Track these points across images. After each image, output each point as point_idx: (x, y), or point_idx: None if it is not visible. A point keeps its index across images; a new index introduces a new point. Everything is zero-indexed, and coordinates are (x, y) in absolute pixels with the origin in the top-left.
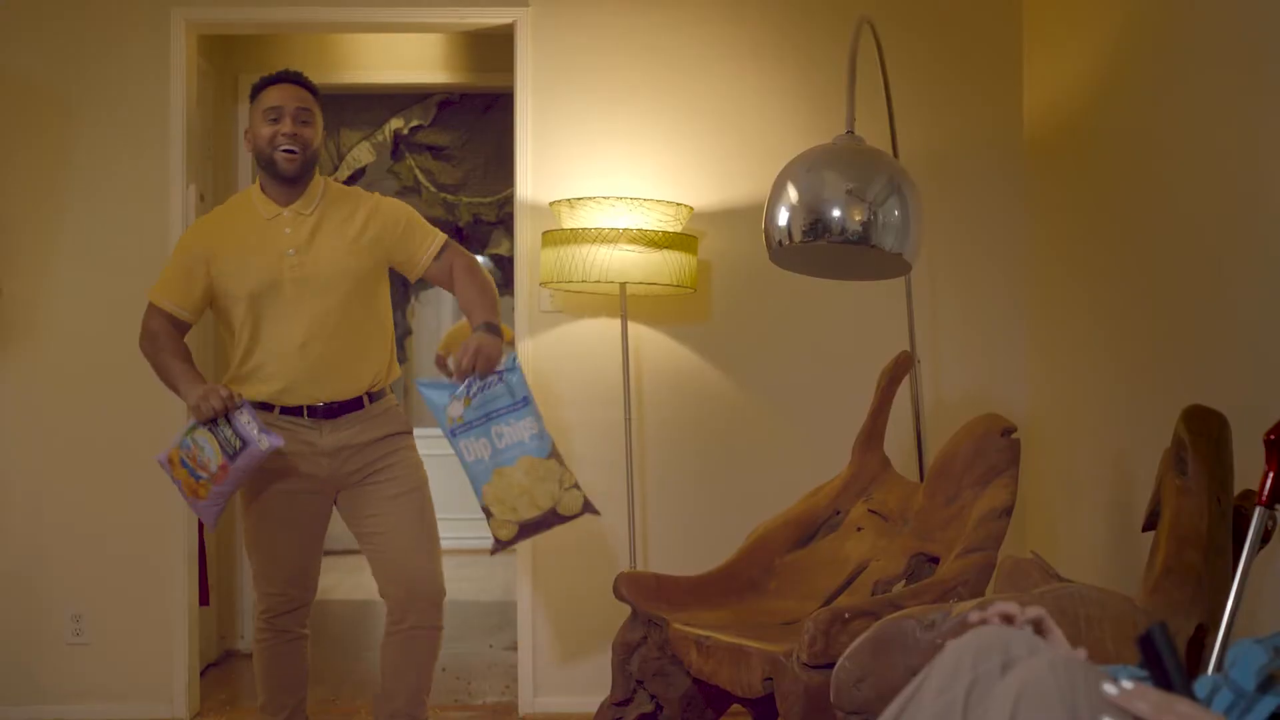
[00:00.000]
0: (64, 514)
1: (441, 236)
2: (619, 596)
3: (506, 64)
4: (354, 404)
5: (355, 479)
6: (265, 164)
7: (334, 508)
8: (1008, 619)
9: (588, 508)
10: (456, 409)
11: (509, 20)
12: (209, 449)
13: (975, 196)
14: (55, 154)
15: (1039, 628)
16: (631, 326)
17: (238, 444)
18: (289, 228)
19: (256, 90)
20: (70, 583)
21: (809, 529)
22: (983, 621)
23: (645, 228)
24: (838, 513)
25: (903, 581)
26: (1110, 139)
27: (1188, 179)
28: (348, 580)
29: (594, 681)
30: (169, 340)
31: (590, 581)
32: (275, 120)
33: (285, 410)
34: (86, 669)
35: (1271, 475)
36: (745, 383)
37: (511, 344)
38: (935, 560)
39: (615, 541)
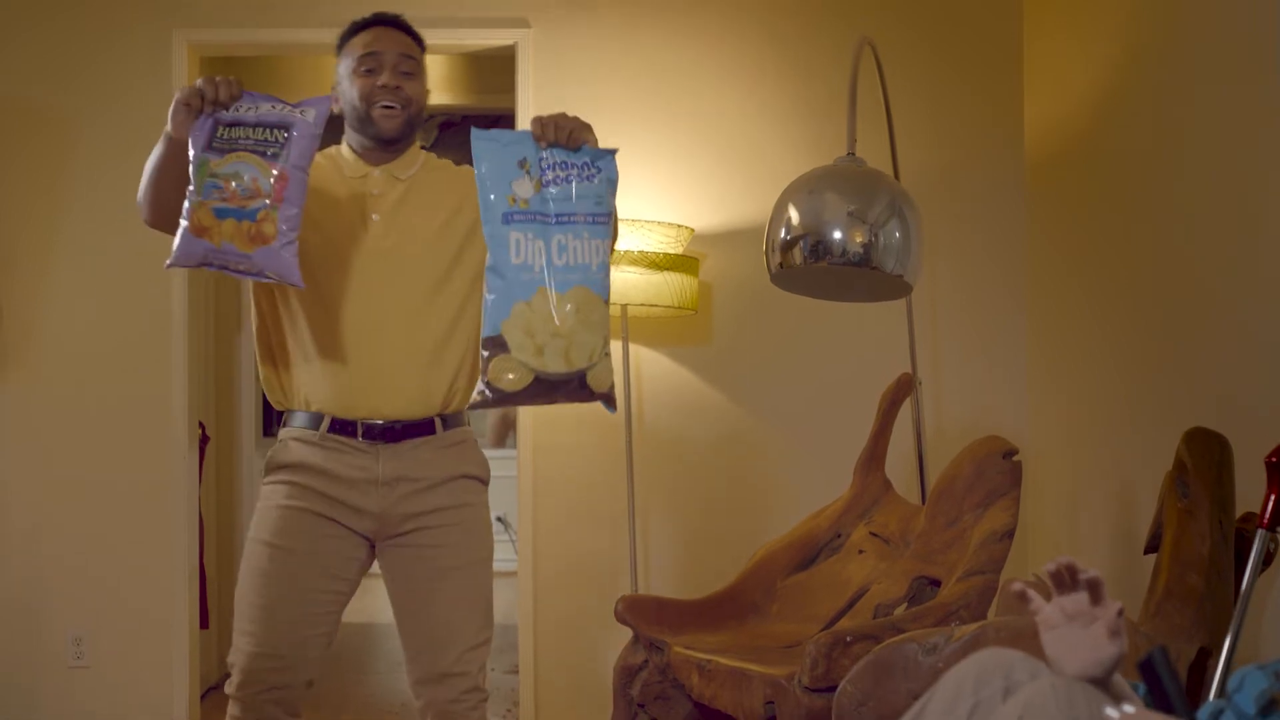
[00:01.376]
0: (64, 536)
1: None
2: (620, 619)
3: (508, 85)
4: (423, 426)
5: (408, 528)
6: (359, 124)
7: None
8: (1071, 571)
9: (609, 398)
10: (525, 188)
11: (510, 41)
12: (245, 167)
13: (977, 217)
14: (57, 175)
15: (1095, 593)
16: (632, 348)
17: (279, 134)
18: (378, 189)
19: (346, 38)
20: (71, 606)
21: (810, 551)
22: (1055, 572)
23: (646, 249)
24: (839, 535)
25: (904, 604)
26: (1111, 160)
27: (1189, 201)
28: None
29: (595, 705)
30: None
31: (591, 604)
32: (371, 71)
33: (335, 426)
34: (87, 692)
35: (1273, 498)
36: (746, 404)
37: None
38: (937, 583)
39: (616, 564)
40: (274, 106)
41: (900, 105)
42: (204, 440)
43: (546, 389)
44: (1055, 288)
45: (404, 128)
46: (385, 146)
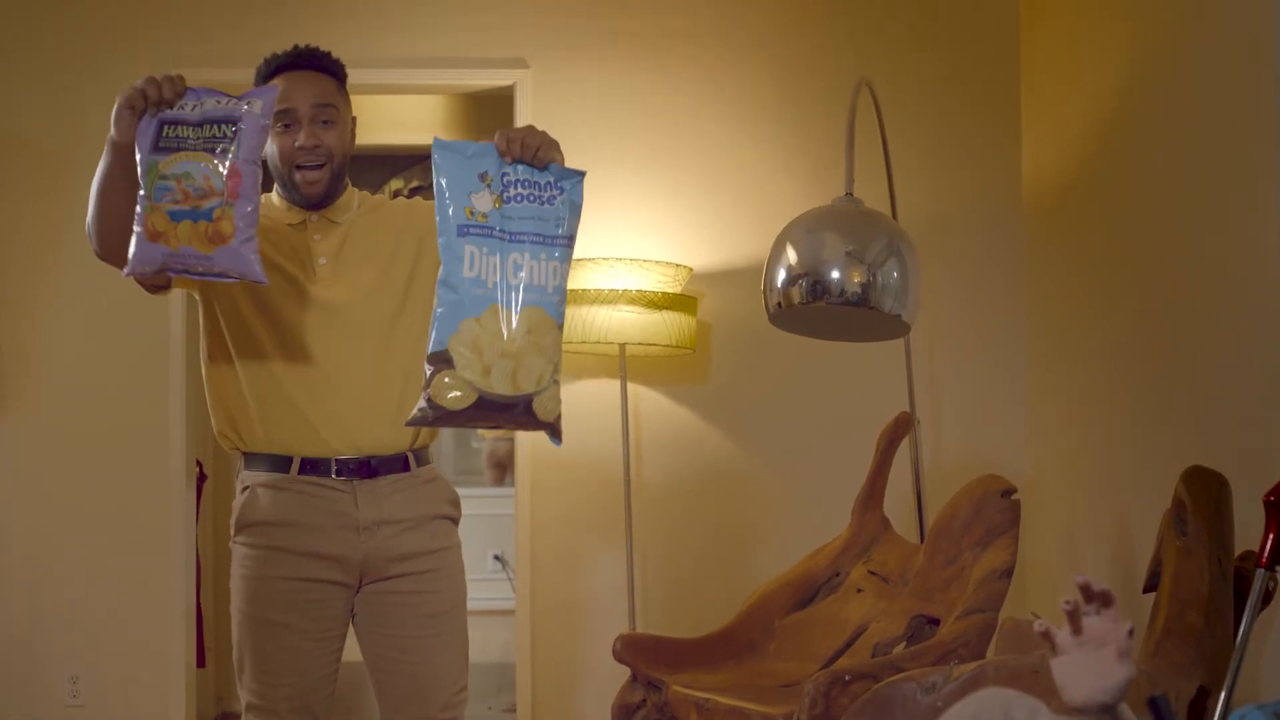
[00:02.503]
0: (61, 574)
1: None
2: (618, 658)
3: (506, 125)
4: (397, 463)
5: (392, 572)
6: (280, 183)
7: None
8: (1085, 589)
9: (554, 429)
10: (485, 202)
11: (509, 82)
12: (195, 167)
13: (974, 257)
14: (55, 214)
15: (1105, 601)
16: (631, 387)
17: (228, 129)
18: (318, 235)
19: (261, 80)
20: (68, 644)
21: (809, 590)
22: (1071, 611)
23: (644, 288)
24: (837, 574)
25: (903, 643)
26: (1108, 201)
27: (1186, 239)
28: None
29: None
30: None
31: (589, 643)
32: (287, 127)
33: (307, 465)
34: None
35: (1272, 537)
36: (744, 443)
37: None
38: (935, 622)
39: (614, 603)
40: (219, 101)
41: (898, 145)
42: (201, 478)
43: (491, 410)
44: (1054, 326)
45: (328, 187)
46: (312, 207)
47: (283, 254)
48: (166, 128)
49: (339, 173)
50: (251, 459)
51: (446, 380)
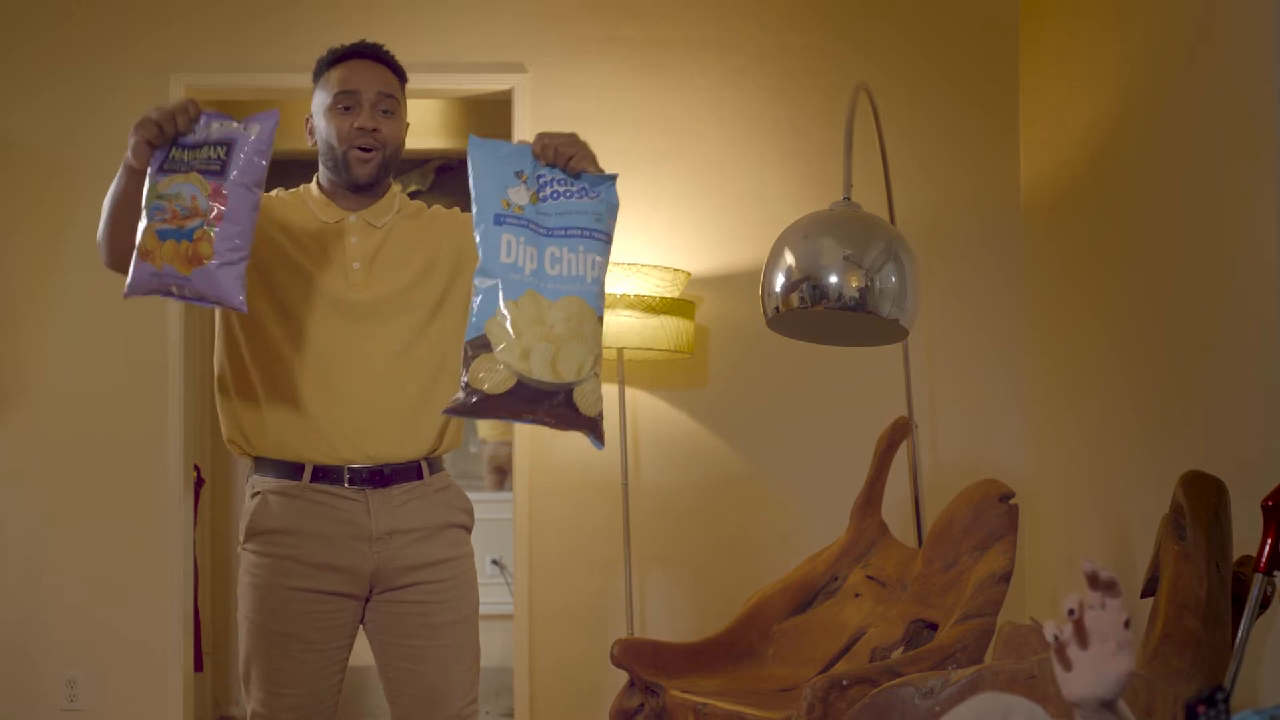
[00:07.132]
0: (59, 579)
1: None
2: (616, 663)
3: (504, 130)
4: (410, 471)
5: (404, 581)
6: (332, 164)
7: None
8: (1092, 576)
9: (596, 427)
10: (521, 196)
11: (507, 87)
12: (186, 187)
13: (972, 262)
14: (54, 220)
15: (1111, 590)
16: (629, 392)
17: (220, 152)
18: (355, 236)
19: (325, 66)
20: (65, 648)
21: (807, 595)
22: (1077, 620)
23: (642, 293)
24: (835, 578)
25: (901, 648)
26: (1107, 205)
27: (1185, 244)
28: None
29: None
30: None
31: (587, 648)
32: (348, 109)
33: (319, 473)
34: None
35: (1270, 541)
36: (743, 448)
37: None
38: (934, 626)
39: (612, 607)
40: (222, 124)
41: (896, 150)
42: (199, 483)
43: (530, 398)
44: (1052, 331)
45: (379, 171)
46: (358, 190)
47: (311, 257)
48: (174, 150)
49: (389, 164)
50: (261, 464)
51: (484, 363)
